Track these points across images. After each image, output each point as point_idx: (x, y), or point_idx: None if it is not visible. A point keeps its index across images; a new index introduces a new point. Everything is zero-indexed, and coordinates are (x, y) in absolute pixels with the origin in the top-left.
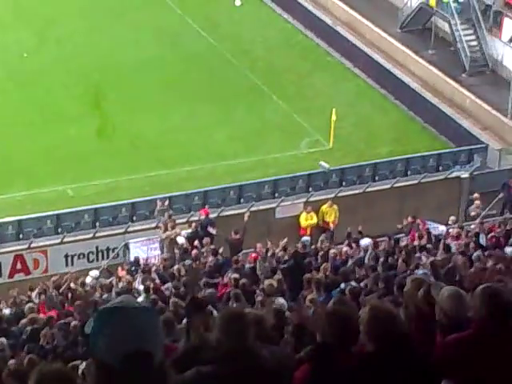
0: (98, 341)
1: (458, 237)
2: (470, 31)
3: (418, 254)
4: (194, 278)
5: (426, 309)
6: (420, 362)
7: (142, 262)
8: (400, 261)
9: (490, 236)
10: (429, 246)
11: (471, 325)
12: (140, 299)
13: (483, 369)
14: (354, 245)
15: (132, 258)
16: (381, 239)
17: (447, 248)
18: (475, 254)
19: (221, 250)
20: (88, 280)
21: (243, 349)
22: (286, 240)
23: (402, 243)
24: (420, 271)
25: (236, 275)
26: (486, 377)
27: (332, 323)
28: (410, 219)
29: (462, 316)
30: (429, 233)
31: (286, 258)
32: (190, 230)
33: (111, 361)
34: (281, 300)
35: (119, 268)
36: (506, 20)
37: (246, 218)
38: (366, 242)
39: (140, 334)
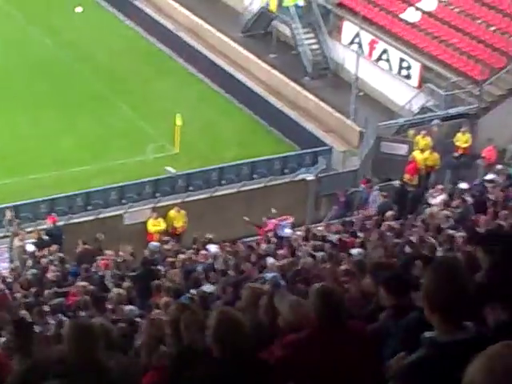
0: None
1: (305, 239)
2: (311, 35)
3: (267, 258)
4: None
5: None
6: (263, 366)
7: None
8: (249, 265)
9: (336, 238)
10: (279, 250)
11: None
12: None
13: (321, 365)
14: (202, 250)
15: None
16: (230, 243)
17: (294, 250)
18: (321, 255)
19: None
20: None
21: (91, 361)
22: (130, 248)
23: (253, 247)
24: (269, 274)
25: (84, 283)
26: (323, 373)
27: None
28: (265, 220)
29: (303, 325)
30: (277, 235)
31: (135, 265)
32: (34, 240)
33: None
34: (130, 307)
35: None
36: (345, 23)
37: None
38: (214, 247)
39: None
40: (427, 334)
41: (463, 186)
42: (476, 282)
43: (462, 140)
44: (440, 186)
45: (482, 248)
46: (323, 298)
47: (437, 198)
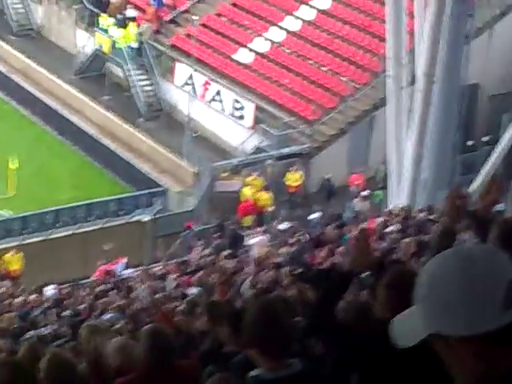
0: None
1: (142, 279)
2: (145, 76)
3: (104, 298)
4: None
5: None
6: None
7: None
8: (86, 306)
9: (175, 276)
10: (117, 290)
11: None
12: None
13: None
14: (39, 293)
15: None
16: (66, 286)
17: (131, 291)
18: (158, 296)
19: None
20: None
21: None
22: None
23: (90, 288)
24: (108, 315)
25: None
26: None
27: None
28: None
29: (128, 367)
30: (114, 276)
31: None
32: None
33: None
34: None
35: None
36: (178, 65)
37: None
38: (51, 289)
39: None
40: (253, 373)
41: (282, 226)
42: (300, 320)
43: (292, 179)
44: (260, 228)
45: (309, 285)
46: (151, 339)
47: (255, 239)
